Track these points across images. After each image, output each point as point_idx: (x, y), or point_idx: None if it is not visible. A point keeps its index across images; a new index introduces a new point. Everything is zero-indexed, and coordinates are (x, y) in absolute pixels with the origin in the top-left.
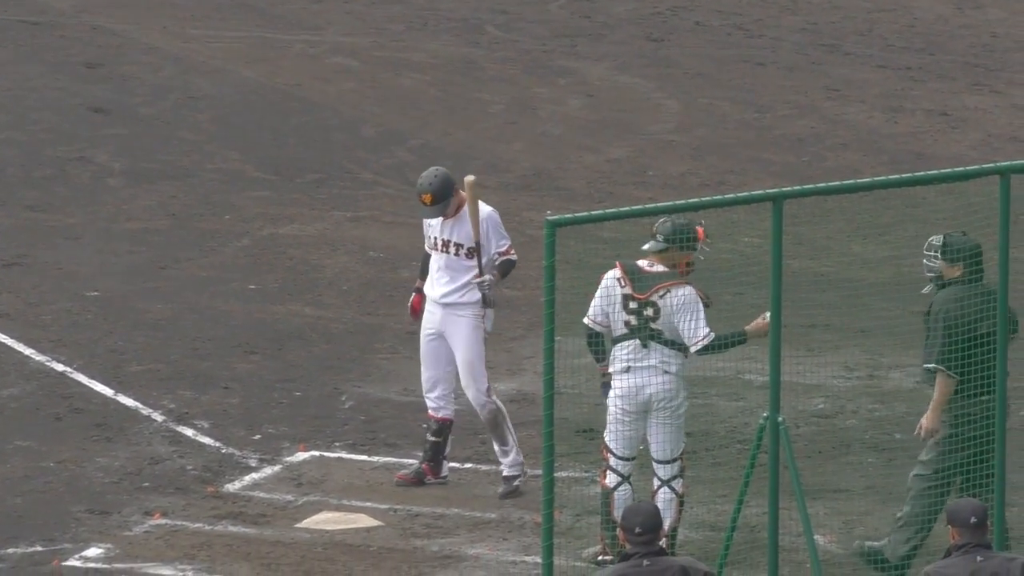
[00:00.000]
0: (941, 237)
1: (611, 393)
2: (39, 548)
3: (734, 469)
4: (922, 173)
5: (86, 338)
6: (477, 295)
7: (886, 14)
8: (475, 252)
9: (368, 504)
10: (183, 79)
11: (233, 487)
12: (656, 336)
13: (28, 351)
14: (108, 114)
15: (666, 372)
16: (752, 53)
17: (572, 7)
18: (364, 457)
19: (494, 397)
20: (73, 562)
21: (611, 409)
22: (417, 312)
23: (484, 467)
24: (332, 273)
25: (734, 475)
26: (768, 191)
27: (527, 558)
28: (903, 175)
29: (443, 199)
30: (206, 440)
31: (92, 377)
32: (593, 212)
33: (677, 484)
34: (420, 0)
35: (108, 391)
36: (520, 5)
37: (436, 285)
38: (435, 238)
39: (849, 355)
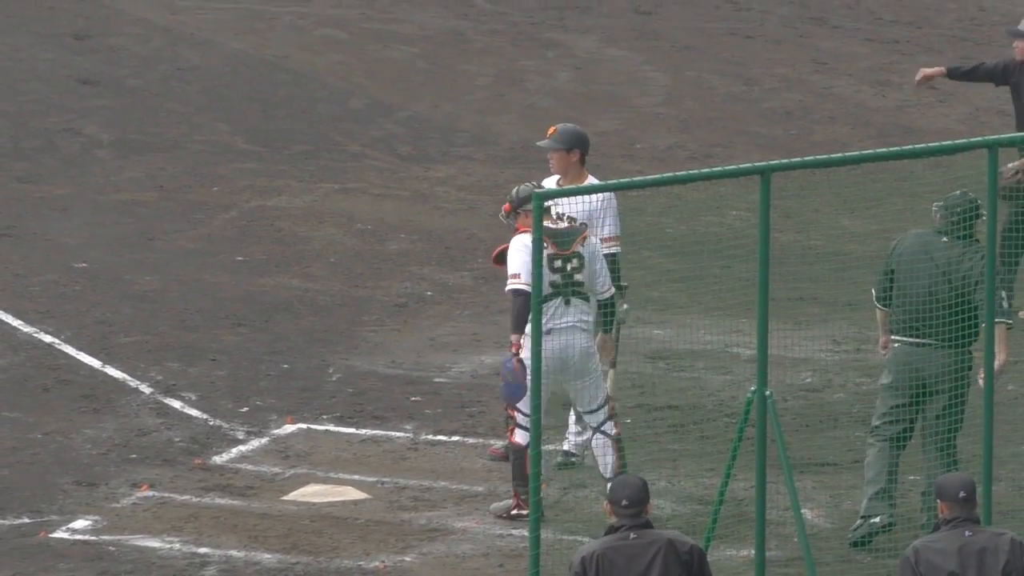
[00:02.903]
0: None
1: (522, 354)
2: (26, 520)
3: (721, 443)
4: (910, 147)
5: (74, 309)
6: None
7: None
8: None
9: (355, 477)
10: (171, 50)
11: (220, 459)
12: (577, 291)
13: (16, 322)
14: (96, 85)
15: (584, 330)
16: (740, 26)
17: None
18: (351, 430)
19: None
20: (60, 534)
21: (514, 364)
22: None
23: (471, 440)
24: (320, 245)
25: (721, 449)
26: (756, 164)
27: (514, 531)
28: (891, 148)
29: (563, 144)
30: (194, 412)
31: (80, 349)
32: (581, 184)
33: (608, 427)
34: None
35: (96, 363)
36: None
37: None
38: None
39: (837, 329)
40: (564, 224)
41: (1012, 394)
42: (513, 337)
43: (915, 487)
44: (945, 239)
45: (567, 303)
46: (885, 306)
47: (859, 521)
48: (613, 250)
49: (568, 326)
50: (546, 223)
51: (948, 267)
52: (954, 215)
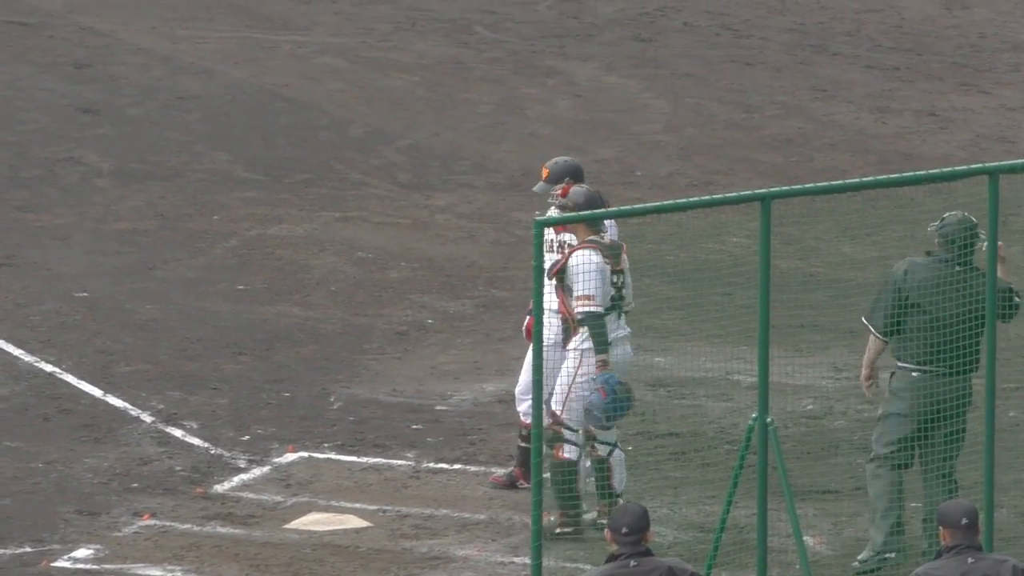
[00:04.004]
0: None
1: (580, 367)
2: (28, 549)
3: (723, 470)
4: (910, 173)
5: (74, 339)
6: None
7: (874, 14)
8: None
9: (357, 505)
10: (172, 79)
11: (222, 488)
12: (622, 304)
13: (17, 352)
14: (97, 114)
15: (628, 341)
16: (740, 53)
17: (560, 7)
18: (353, 458)
19: None
20: (62, 563)
21: (579, 383)
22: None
23: (473, 468)
24: (320, 274)
25: (723, 476)
26: (756, 191)
27: (516, 559)
28: (891, 175)
29: (557, 181)
30: (195, 441)
31: (81, 378)
32: (581, 212)
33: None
34: (408, 0)
35: (97, 392)
36: (508, 5)
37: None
38: (552, 240)
39: (838, 356)
40: (607, 238)
41: (1013, 420)
42: (599, 358)
43: (916, 514)
44: (959, 267)
45: (619, 316)
46: (888, 336)
47: (870, 554)
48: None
49: (624, 336)
50: (596, 236)
51: (966, 295)
52: (957, 242)
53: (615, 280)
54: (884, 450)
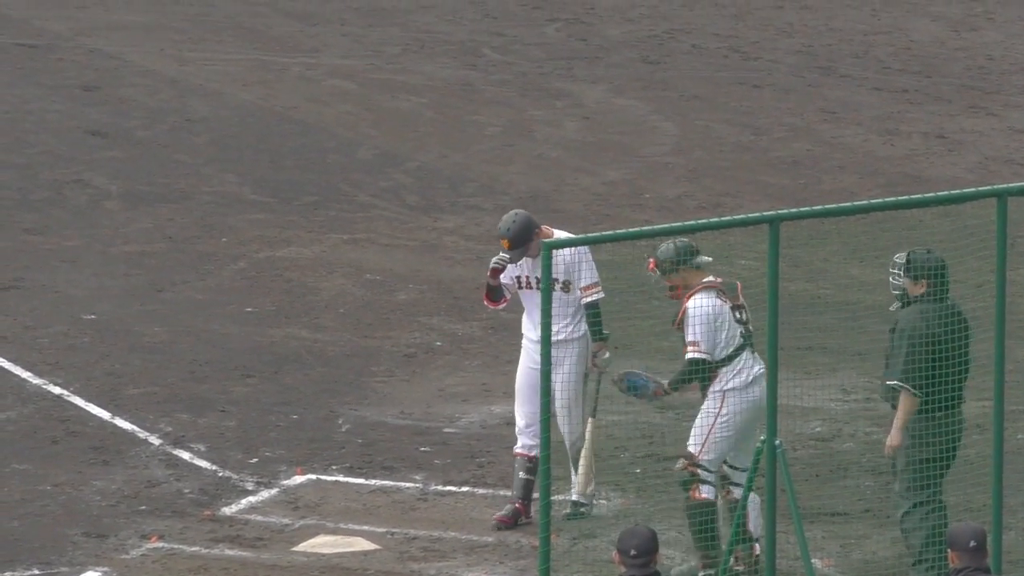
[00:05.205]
0: (905, 254)
1: (722, 408)
2: (36, 572)
3: None
4: (919, 196)
5: (83, 361)
6: (580, 330)
7: (882, 36)
8: (569, 286)
9: (365, 527)
10: (180, 102)
11: (230, 510)
12: (751, 339)
13: (25, 374)
14: (105, 137)
15: (764, 376)
16: (748, 75)
17: (568, 30)
18: (361, 480)
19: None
20: None
21: (721, 424)
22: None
23: (481, 491)
24: (329, 296)
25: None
26: (764, 213)
27: None
28: (899, 198)
29: (522, 243)
30: (203, 463)
31: (89, 400)
32: (589, 234)
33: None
34: (417, 23)
35: (105, 414)
36: (517, 28)
37: (537, 325)
38: (525, 277)
39: (846, 378)
40: (717, 279)
41: (1021, 443)
42: (664, 386)
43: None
44: (956, 307)
45: (752, 352)
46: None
47: None
48: (595, 297)
49: (760, 374)
50: (708, 278)
51: (965, 327)
52: (940, 278)
53: (738, 316)
54: (921, 497)
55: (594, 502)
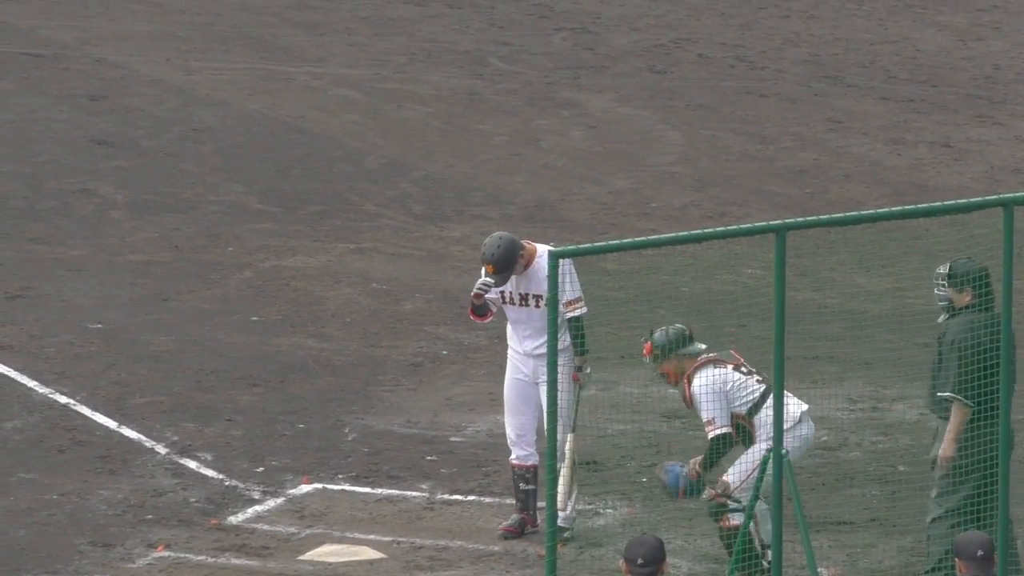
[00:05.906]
0: (947, 265)
1: (763, 446)
2: None
3: None
4: (925, 205)
5: (89, 370)
6: (563, 343)
7: (889, 46)
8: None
9: (371, 536)
10: (186, 111)
11: (236, 519)
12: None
13: (31, 383)
14: (111, 146)
15: (809, 415)
16: (755, 85)
17: (575, 39)
18: (367, 489)
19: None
20: None
21: (758, 459)
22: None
23: (487, 500)
24: (335, 305)
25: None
26: (771, 223)
27: None
28: (906, 207)
29: (507, 268)
30: (209, 472)
31: (95, 409)
32: (596, 243)
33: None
34: (423, 32)
35: (111, 423)
36: (523, 37)
37: (522, 339)
38: (509, 292)
39: (853, 387)
40: (711, 353)
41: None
42: (696, 467)
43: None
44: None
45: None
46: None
47: None
48: (578, 312)
49: (805, 410)
50: (703, 356)
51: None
52: (984, 286)
53: (744, 370)
54: (951, 504)
55: (575, 523)
